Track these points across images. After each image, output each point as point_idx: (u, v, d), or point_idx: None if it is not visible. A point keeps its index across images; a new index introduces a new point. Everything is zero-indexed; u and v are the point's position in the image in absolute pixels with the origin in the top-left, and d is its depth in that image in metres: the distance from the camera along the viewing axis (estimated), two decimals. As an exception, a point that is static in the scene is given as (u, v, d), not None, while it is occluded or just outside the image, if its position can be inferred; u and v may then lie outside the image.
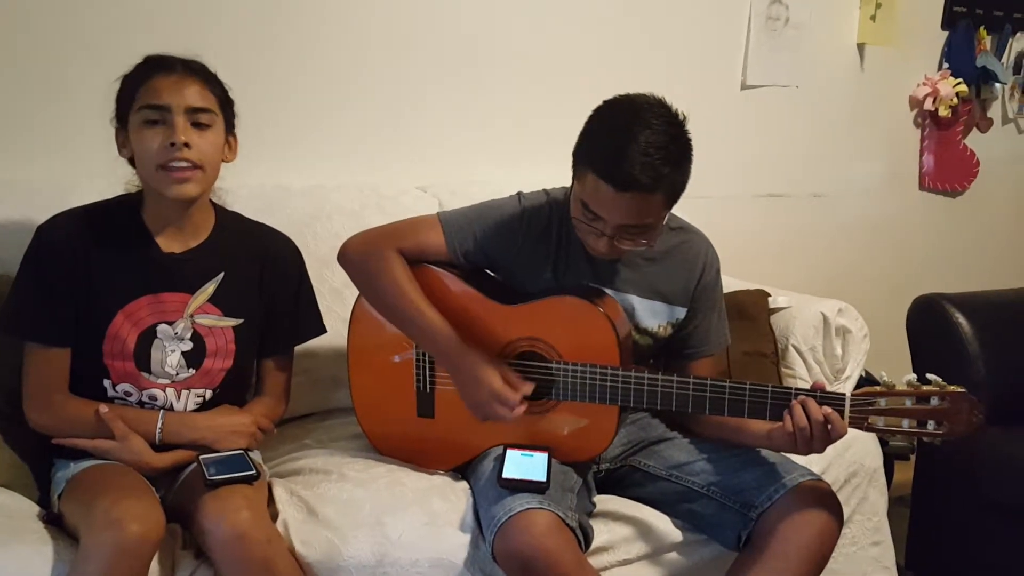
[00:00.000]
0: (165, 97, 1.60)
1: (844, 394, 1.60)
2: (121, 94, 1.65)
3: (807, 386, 2.25)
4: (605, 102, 1.67)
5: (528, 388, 1.71)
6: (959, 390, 1.57)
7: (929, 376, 1.59)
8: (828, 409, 1.59)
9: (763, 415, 1.63)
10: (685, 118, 1.63)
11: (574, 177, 1.66)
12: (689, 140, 1.63)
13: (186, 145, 1.59)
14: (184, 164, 1.60)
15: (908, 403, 1.57)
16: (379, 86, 2.45)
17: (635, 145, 1.55)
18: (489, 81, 2.57)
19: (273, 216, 1.93)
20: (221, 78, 1.71)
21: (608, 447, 1.79)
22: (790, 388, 1.63)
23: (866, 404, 1.59)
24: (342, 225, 2.13)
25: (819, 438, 1.59)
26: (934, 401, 1.57)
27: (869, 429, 1.60)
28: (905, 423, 1.58)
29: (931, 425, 1.57)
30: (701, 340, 1.85)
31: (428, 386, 1.84)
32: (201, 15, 2.21)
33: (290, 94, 2.34)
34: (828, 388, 1.64)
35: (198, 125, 1.62)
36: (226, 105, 1.70)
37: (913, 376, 1.60)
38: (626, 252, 1.70)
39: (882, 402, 1.58)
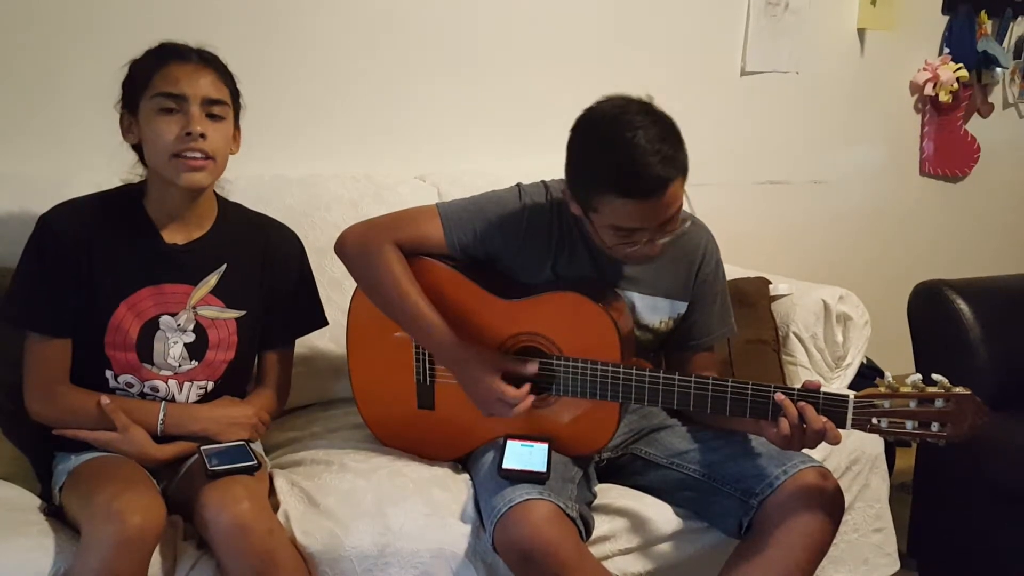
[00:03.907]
0: (183, 86, 1.60)
1: (848, 396, 1.58)
2: (131, 78, 1.65)
3: (810, 375, 2.26)
4: (576, 129, 1.62)
5: (532, 368, 1.70)
6: (964, 392, 1.54)
7: (934, 376, 1.56)
8: (825, 419, 1.57)
9: (765, 415, 1.62)
10: (652, 97, 1.61)
11: (586, 208, 1.62)
12: (668, 116, 1.60)
13: (202, 136, 1.59)
14: (198, 155, 1.59)
15: (912, 405, 1.55)
16: (376, 75, 2.44)
17: (640, 150, 1.53)
18: (487, 69, 2.56)
19: (271, 206, 1.93)
20: None
21: (609, 442, 1.79)
22: (793, 389, 1.61)
23: (869, 406, 1.57)
24: (340, 215, 2.13)
25: (811, 440, 1.59)
26: (939, 403, 1.54)
27: (872, 431, 1.58)
28: (909, 425, 1.56)
29: (935, 427, 1.55)
30: (702, 332, 1.84)
31: (428, 379, 1.83)
32: (199, 5, 2.20)
33: (288, 84, 2.34)
34: (825, 384, 1.62)
35: (212, 116, 1.62)
36: (235, 97, 1.70)
37: (918, 376, 1.57)
38: (668, 245, 1.66)
39: (886, 404, 1.56)
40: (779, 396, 1.59)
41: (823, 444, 1.60)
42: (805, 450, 1.71)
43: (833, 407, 1.59)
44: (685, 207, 1.83)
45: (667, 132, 1.57)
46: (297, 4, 2.32)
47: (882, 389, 1.57)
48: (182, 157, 1.59)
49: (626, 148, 1.53)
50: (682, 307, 1.81)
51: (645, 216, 1.58)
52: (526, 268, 1.78)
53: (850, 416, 1.58)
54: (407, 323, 1.76)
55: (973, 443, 1.54)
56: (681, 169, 1.58)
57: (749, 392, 1.62)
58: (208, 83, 1.62)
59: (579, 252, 1.75)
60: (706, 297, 1.83)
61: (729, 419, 1.70)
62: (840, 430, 1.58)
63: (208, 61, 1.65)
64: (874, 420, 1.57)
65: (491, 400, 1.69)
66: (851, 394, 1.59)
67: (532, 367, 1.70)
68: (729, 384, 1.63)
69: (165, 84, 1.60)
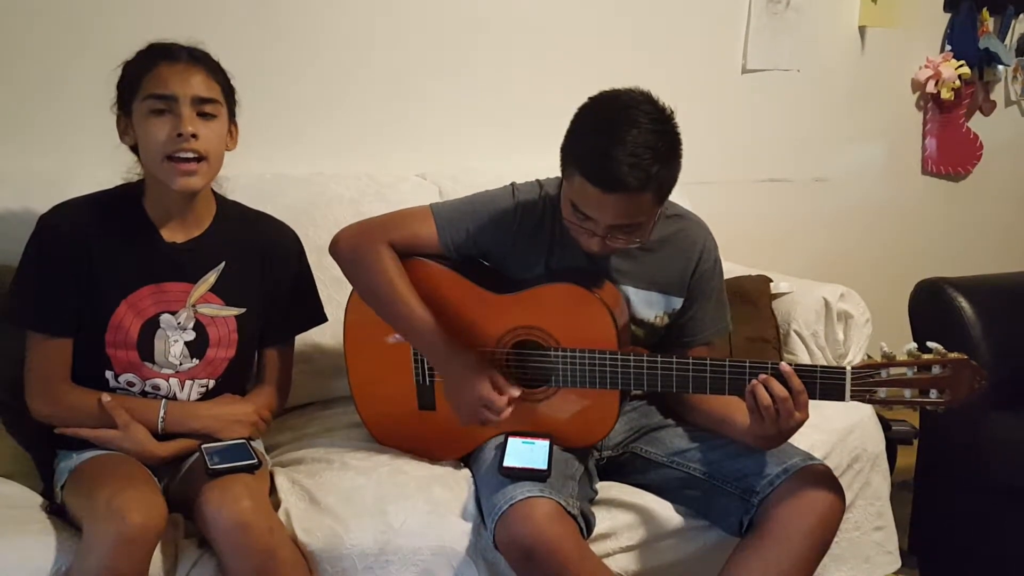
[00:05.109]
0: (172, 87, 1.59)
1: (845, 368, 1.59)
2: (123, 81, 1.64)
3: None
4: (591, 99, 1.63)
5: (516, 392, 1.69)
6: (961, 357, 1.55)
7: (930, 344, 1.57)
8: (795, 387, 1.57)
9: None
10: (672, 112, 1.60)
11: (563, 176, 1.64)
12: (678, 135, 1.60)
13: (193, 136, 1.58)
14: (190, 155, 1.59)
15: (909, 373, 1.56)
16: (378, 73, 2.44)
17: (622, 146, 1.53)
18: (488, 67, 2.56)
19: (271, 205, 1.93)
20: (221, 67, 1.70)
21: (610, 432, 1.79)
22: (790, 363, 1.61)
23: (868, 376, 1.57)
24: (341, 213, 2.13)
25: (785, 415, 1.58)
26: (936, 370, 1.55)
27: (871, 401, 1.58)
28: (907, 393, 1.56)
29: (933, 394, 1.56)
30: (696, 329, 1.83)
31: (427, 379, 1.83)
32: (200, 4, 2.20)
33: (289, 83, 2.34)
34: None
35: (204, 115, 1.62)
36: (229, 94, 1.69)
37: (913, 345, 1.58)
38: (620, 249, 1.68)
39: (883, 374, 1.56)
40: (784, 366, 1.59)
41: (824, 441, 1.59)
42: (806, 446, 1.71)
43: (831, 380, 1.59)
44: (686, 206, 1.84)
45: (659, 145, 1.55)
46: (299, 4, 2.32)
47: (880, 359, 1.57)
48: (174, 160, 1.59)
49: (610, 137, 1.54)
50: (677, 303, 1.81)
51: (596, 207, 1.58)
52: (520, 265, 1.78)
53: (848, 388, 1.58)
54: (398, 321, 1.76)
55: (973, 434, 1.53)
56: (651, 185, 1.56)
57: (747, 368, 1.62)
58: (198, 82, 1.61)
59: (572, 248, 1.74)
60: (702, 294, 1.82)
61: (720, 423, 1.72)
62: (838, 402, 1.59)
63: (198, 59, 1.64)
64: (873, 390, 1.57)
65: (476, 404, 1.68)
66: (848, 366, 1.59)
67: (516, 391, 1.69)
68: (727, 363, 1.63)
69: (155, 85, 1.60)
